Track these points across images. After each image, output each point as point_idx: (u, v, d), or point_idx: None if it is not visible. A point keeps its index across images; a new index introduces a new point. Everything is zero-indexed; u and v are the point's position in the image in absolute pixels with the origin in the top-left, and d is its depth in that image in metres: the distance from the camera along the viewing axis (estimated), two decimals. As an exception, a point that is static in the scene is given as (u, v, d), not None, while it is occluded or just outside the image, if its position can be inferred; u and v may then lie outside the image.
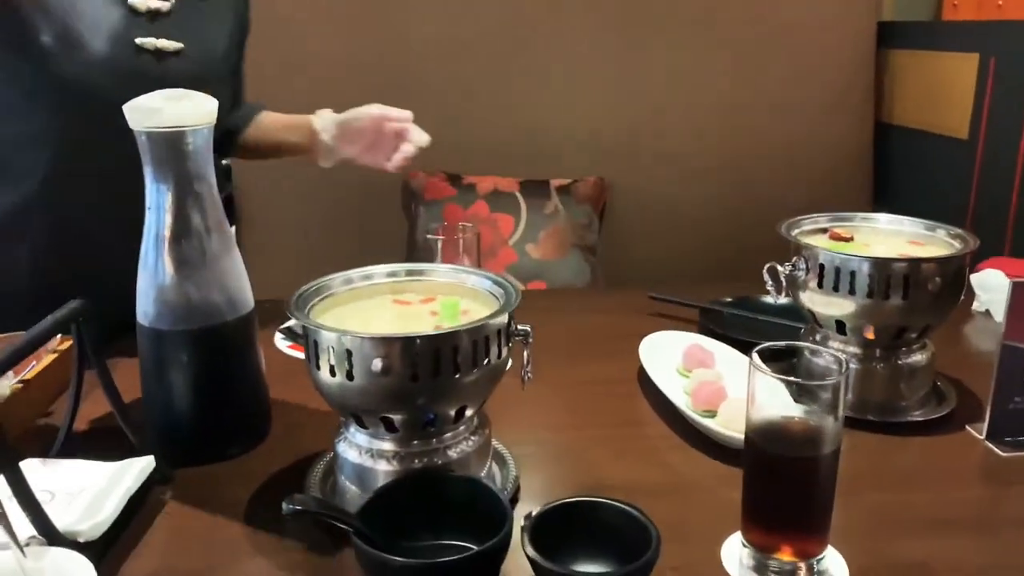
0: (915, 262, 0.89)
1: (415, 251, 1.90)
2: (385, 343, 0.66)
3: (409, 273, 0.83)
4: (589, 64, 2.07)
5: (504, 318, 0.71)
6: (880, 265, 0.89)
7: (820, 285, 0.92)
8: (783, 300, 0.99)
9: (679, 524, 0.74)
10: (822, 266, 0.92)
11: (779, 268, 0.96)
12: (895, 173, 2.16)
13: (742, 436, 0.86)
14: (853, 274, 0.89)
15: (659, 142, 2.09)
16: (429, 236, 1.00)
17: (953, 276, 0.90)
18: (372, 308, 0.79)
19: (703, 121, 2.09)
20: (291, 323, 0.72)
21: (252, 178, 2.01)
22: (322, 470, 0.81)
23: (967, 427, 0.93)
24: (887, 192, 2.16)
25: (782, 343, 0.70)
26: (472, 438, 0.75)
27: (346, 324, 0.74)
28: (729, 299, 1.26)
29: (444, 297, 0.80)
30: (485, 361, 0.70)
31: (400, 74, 1.96)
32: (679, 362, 1.04)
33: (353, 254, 2.03)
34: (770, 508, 0.68)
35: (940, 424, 0.92)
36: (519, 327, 0.74)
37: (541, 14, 2.04)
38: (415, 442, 0.72)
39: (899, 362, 0.94)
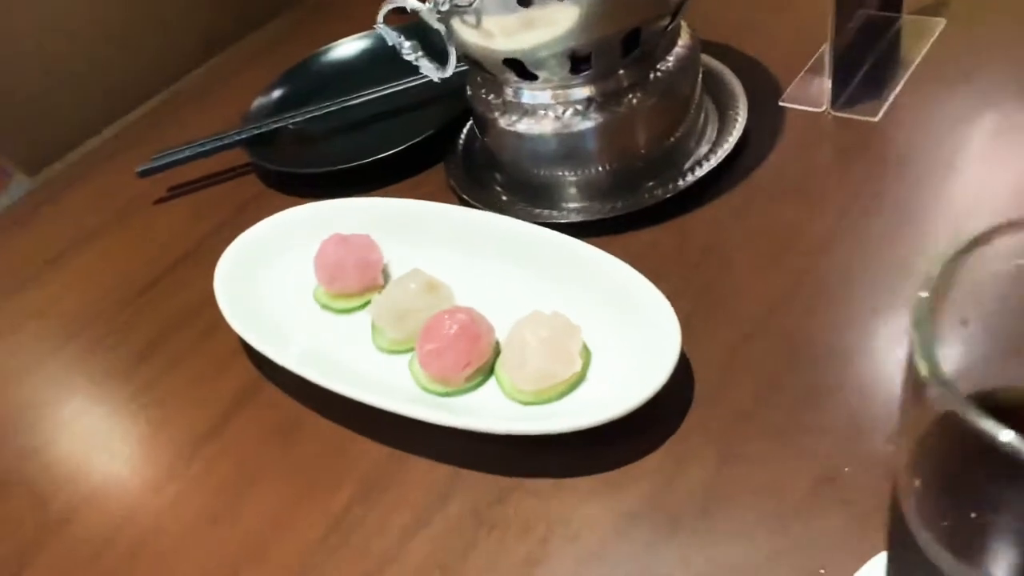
0: None
1: None
2: None
3: None
4: None
5: None
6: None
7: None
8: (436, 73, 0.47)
9: None
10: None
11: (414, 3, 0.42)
12: None
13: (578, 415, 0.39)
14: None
15: None
16: None
17: None
18: None
19: None
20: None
21: None
22: None
23: (783, 104, 0.55)
24: None
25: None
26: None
27: None
28: (276, 91, 0.68)
29: None
30: None
31: None
32: (311, 280, 0.50)
33: None
34: None
35: (746, 143, 0.53)
36: None
37: None
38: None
39: (644, 86, 0.49)
